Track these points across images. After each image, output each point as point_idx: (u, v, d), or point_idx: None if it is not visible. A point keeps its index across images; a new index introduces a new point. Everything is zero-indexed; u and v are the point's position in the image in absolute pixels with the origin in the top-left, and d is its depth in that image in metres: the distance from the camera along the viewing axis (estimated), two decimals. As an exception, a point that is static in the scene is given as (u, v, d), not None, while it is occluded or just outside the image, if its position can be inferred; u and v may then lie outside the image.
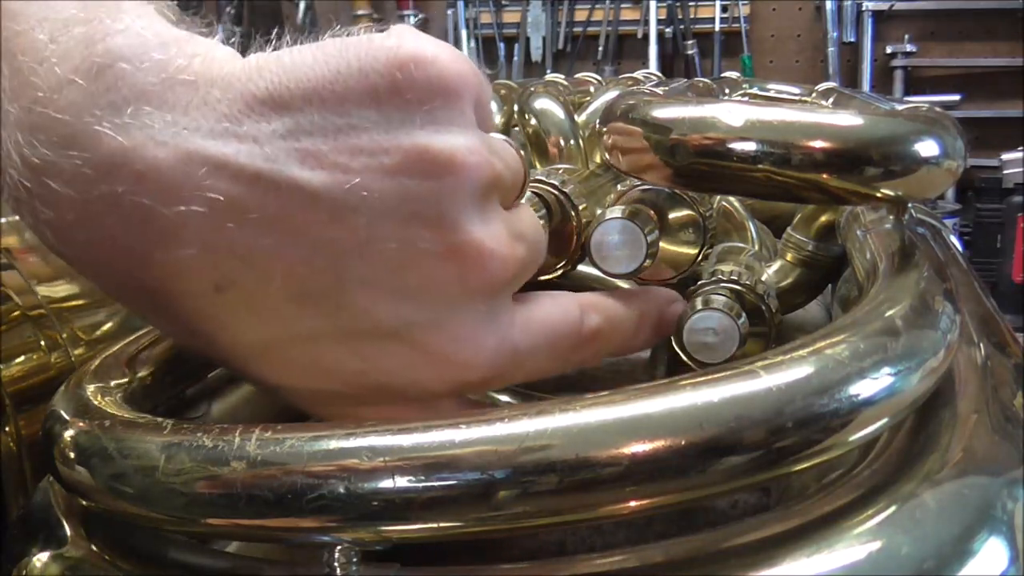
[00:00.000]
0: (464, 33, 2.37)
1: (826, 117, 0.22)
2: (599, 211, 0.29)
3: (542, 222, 0.28)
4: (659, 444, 0.16)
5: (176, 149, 0.19)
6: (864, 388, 0.17)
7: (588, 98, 0.45)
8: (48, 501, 0.23)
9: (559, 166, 0.34)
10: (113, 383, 0.23)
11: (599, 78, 0.55)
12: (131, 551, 0.20)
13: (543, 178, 0.29)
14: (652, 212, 0.29)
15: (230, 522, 0.18)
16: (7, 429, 0.28)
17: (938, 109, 0.23)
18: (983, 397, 0.21)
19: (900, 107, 0.24)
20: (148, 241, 0.19)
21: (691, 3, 2.34)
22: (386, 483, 0.17)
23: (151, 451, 0.18)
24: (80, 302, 0.32)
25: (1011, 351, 0.25)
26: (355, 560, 0.17)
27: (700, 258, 0.29)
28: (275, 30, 0.23)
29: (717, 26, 2.33)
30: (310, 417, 0.27)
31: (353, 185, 0.20)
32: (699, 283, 0.29)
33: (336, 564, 0.17)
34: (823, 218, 0.34)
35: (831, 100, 0.48)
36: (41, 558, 0.21)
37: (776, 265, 0.36)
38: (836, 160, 0.21)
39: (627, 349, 0.28)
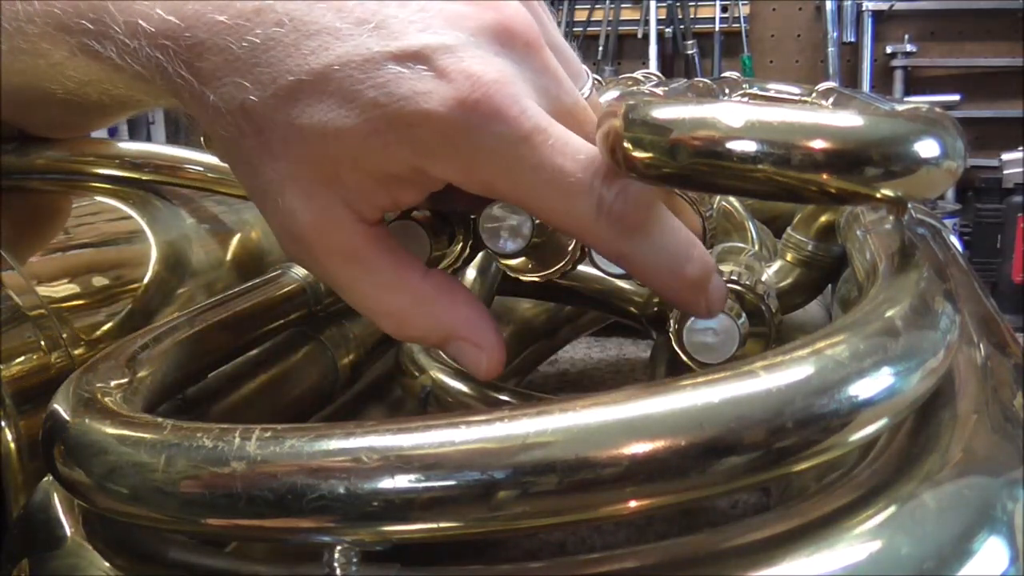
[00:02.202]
0: (464, 33, 2.37)
1: (826, 117, 0.22)
2: (599, 211, 0.28)
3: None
4: (659, 444, 0.16)
5: None
6: (864, 388, 0.17)
7: (588, 98, 0.45)
8: (48, 501, 0.23)
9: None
10: (113, 383, 0.23)
11: (599, 78, 0.55)
12: (131, 551, 0.20)
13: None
14: (652, 212, 0.29)
15: (230, 522, 0.18)
16: (7, 429, 0.28)
17: (938, 109, 0.23)
18: (983, 397, 0.21)
19: (900, 107, 0.24)
20: None
21: (691, 3, 2.34)
22: (386, 483, 0.17)
23: (151, 451, 0.18)
24: (80, 302, 0.32)
25: (1011, 351, 0.25)
26: (355, 560, 0.17)
27: (700, 258, 0.29)
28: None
29: (717, 26, 2.33)
30: (310, 418, 0.27)
31: None
32: (699, 283, 0.29)
33: (336, 564, 0.17)
34: (823, 218, 0.34)
35: (831, 100, 0.48)
36: (41, 558, 0.21)
37: (776, 265, 0.36)
38: (836, 160, 0.21)
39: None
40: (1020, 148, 1.84)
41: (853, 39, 2.27)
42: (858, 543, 0.16)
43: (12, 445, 0.28)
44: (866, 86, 2.22)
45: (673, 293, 0.26)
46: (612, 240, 0.24)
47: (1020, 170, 1.81)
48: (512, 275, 0.31)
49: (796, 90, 0.54)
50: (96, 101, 0.27)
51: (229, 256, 0.41)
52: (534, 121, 0.23)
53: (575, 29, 2.39)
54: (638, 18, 2.36)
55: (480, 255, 0.35)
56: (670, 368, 0.38)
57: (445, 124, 0.22)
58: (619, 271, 0.28)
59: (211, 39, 0.22)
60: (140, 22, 0.22)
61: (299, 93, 0.22)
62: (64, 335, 0.30)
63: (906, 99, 1.78)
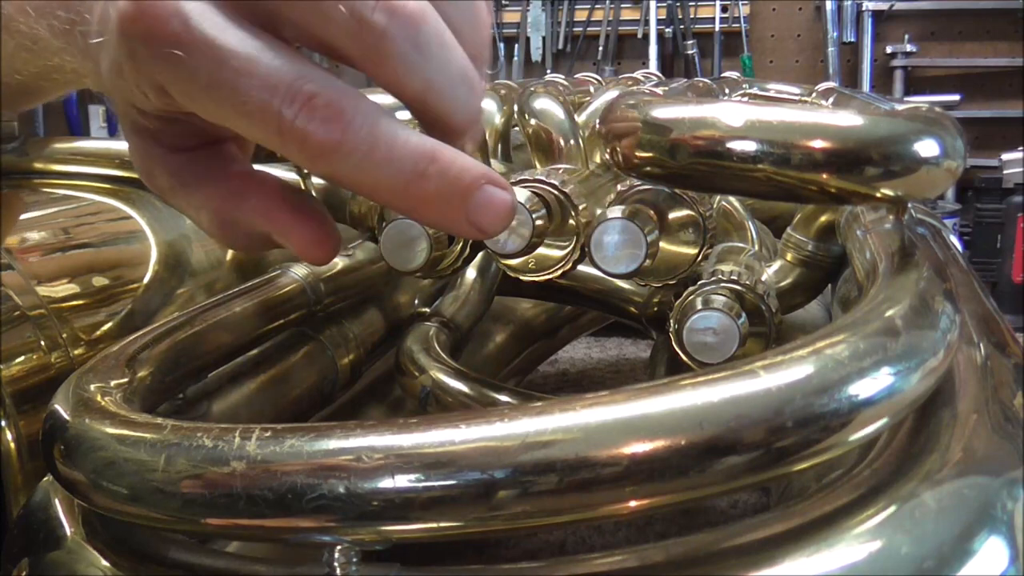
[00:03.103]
0: (464, 33, 2.37)
1: (826, 117, 0.22)
2: (599, 211, 0.29)
3: (541, 221, 0.28)
4: (659, 444, 0.16)
5: None
6: (864, 388, 0.17)
7: (588, 98, 0.45)
8: (48, 501, 0.23)
9: (559, 166, 0.34)
10: (113, 383, 0.23)
11: (599, 78, 0.55)
12: (131, 551, 0.20)
13: (543, 178, 0.29)
14: (652, 212, 0.29)
15: (230, 522, 0.18)
16: (7, 429, 0.28)
17: (938, 109, 0.23)
18: (983, 397, 0.21)
19: (900, 107, 0.24)
20: None
21: (691, 3, 2.34)
22: (386, 483, 0.17)
23: (151, 451, 0.18)
24: (80, 302, 0.32)
25: (1011, 351, 0.25)
26: (355, 560, 0.17)
27: (700, 258, 0.30)
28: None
29: (717, 26, 2.34)
30: (310, 418, 0.27)
31: None
32: (699, 283, 0.29)
33: (336, 564, 0.17)
34: (823, 218, 0.34)
35: (831, 100, 0.48)
36: (41, 558, 0.21)
37: (776, 265, 0.36)
38: (836, 160, 0.21)
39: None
40: (1020, 148, 1.84)
41: (853, 39, 2.27)
42: (858, 543, 0.16)
43: (12, 445, 0.28)
44: (866, 86, 2.22)
45: (418, 215, 0.23)
46: (308, 162, 0.22)
47: (1020, 170, 1.81)
48: (512, 275, 0.31)
49: (796, 90, 0.54)
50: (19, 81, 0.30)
51: (229, 256, 0.41)
52: (203, 37, 0.21)
53: (575, 29, 2.39)
54: (638, 18, 2.36)
55: (480, 255, 0.35)
56: (670, 368, 0.38)
57: (120, 42, 0.22)
58: (620, 271, 0.28)
59: None
60: None
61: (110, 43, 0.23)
62: (64, 335, 0.30)
63: (906, 99, 1.78)
